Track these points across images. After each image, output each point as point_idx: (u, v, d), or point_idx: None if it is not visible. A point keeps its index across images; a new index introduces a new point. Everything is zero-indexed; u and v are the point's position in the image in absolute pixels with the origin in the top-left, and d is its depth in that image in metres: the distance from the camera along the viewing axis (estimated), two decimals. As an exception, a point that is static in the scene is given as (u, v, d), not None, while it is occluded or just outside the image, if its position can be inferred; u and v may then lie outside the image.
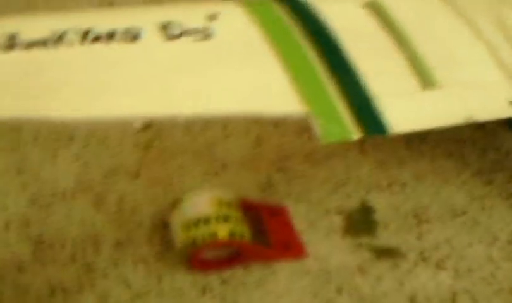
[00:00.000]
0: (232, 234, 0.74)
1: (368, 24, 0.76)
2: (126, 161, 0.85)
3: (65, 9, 1.05)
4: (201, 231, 0.73)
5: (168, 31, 0.68)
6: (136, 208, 0.80)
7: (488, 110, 0.73)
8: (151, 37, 0.67)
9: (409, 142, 0.90)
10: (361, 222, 0.80)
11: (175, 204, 0.77)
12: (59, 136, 0.87)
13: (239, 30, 0.71)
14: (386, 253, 0.77)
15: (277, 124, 0.90)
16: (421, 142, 0.90)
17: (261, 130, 0.90)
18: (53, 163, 0.84)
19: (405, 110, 0.69)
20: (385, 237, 0.79)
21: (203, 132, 0.89)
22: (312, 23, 0.73)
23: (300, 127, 0.86)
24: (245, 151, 0.88)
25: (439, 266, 0.77)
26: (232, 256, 0.75)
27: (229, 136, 0.90)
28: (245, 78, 0.67)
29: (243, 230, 0.75)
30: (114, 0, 1.10)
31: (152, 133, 0.89)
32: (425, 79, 0.71)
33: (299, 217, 0.80)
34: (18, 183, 0.83)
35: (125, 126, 0.87)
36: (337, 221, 0.80)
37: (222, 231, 0.73)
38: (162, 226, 0.78)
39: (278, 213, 0.80)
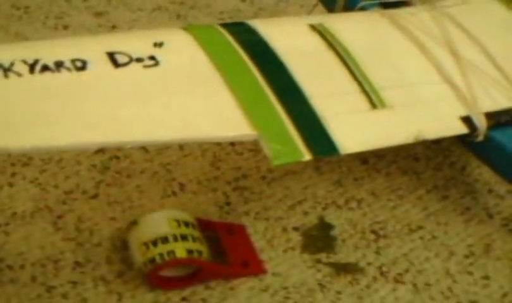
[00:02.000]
0: (190, 252, 0.74)
1: (315, 46, 0.77)
2: (83, 183, 0.85)
3: (22, 33, 1.06)
4: (160, 251, 0.73)
5: (115, 60, 0.68)
6: (94, 229, 0.79)
7: (439, 127, 0.74)
8: (99, 66, 0.67)
9: (365, 160, 0.91)
10: (319, 238, 0.81)
11: (131, 225, 0.76)
12: (15, 159, 0.87)
13: (186, 56, 0.72)
14: (345, 269, 0.78)
15: (234, 143, 0.91)
16: (377, 160, 0.91)
17: (218, 150, 0.91)
18: (10, 185, 0.84)
19: (355, 130, 0.70)
20: (343, 253, 0.80)
21: (160, 153, 0.90)
22: (258, 46, 0.74)
23: (257, 147, 0.86)
24: (202, 171, 0.88)
25: (398, 280, 0.77)
26: (193, 274, 0.75)
27: (186, 156, 0.90)
28: (194, 104, 0.68)
29: (201, 249, 0.75)
30: (69, 23, 1.10)
31: (108, 154, 0.88)
32: (374, 99, 0.72)
33: (258, 235, 0.81)
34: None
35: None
36: (296, 238, 0.81)
37: (180, 249, 0.73)
38: (121, 246, 0.77)
39: (236, 232, 0.81)
